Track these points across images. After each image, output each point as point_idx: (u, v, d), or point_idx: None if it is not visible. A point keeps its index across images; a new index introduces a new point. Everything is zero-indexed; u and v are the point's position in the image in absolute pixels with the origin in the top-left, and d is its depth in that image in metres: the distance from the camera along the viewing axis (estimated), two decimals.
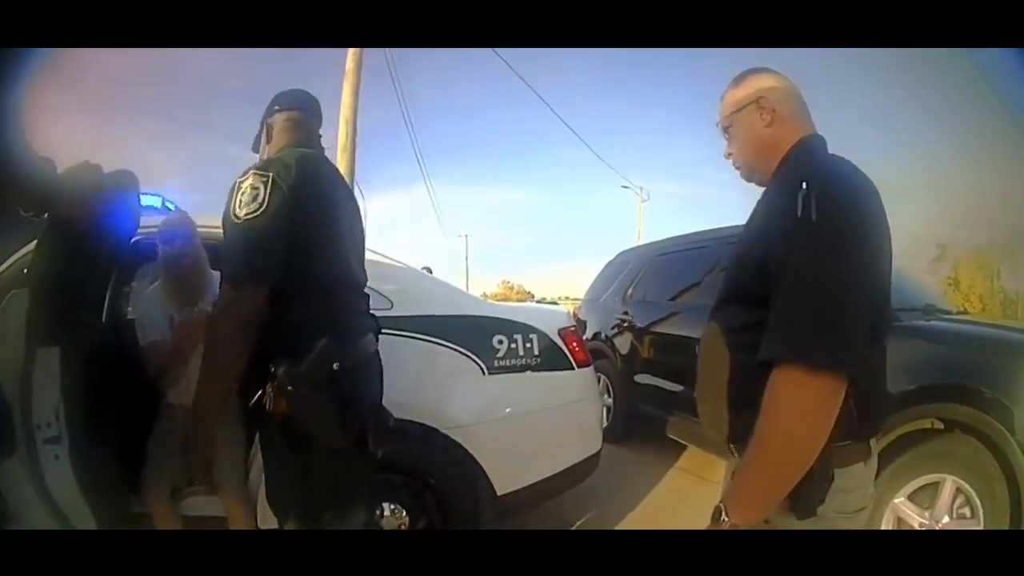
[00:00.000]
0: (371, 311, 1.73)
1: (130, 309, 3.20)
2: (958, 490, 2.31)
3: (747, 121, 1.15)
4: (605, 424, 3.93)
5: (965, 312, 4.63)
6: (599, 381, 4.66)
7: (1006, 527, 2.14)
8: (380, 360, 1.69)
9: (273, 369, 1.37)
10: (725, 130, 1.20)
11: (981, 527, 2.21)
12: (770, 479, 0.95)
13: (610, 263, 5.83)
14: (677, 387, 3.99)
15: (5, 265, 2.15)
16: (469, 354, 2.40)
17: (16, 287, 1.98)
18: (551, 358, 2.54)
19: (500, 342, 2.44)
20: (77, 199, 1.69)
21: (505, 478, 2.39)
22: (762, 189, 1.16)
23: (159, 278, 2.38)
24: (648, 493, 3.64)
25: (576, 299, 9.86)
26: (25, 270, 2.00)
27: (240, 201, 1.41)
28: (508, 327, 2.49)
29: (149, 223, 2.40)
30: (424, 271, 3.05)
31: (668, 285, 4.67)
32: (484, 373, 2.40)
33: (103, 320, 2.61)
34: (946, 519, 2.32)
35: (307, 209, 1.45)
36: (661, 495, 3.67)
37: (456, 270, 36.14)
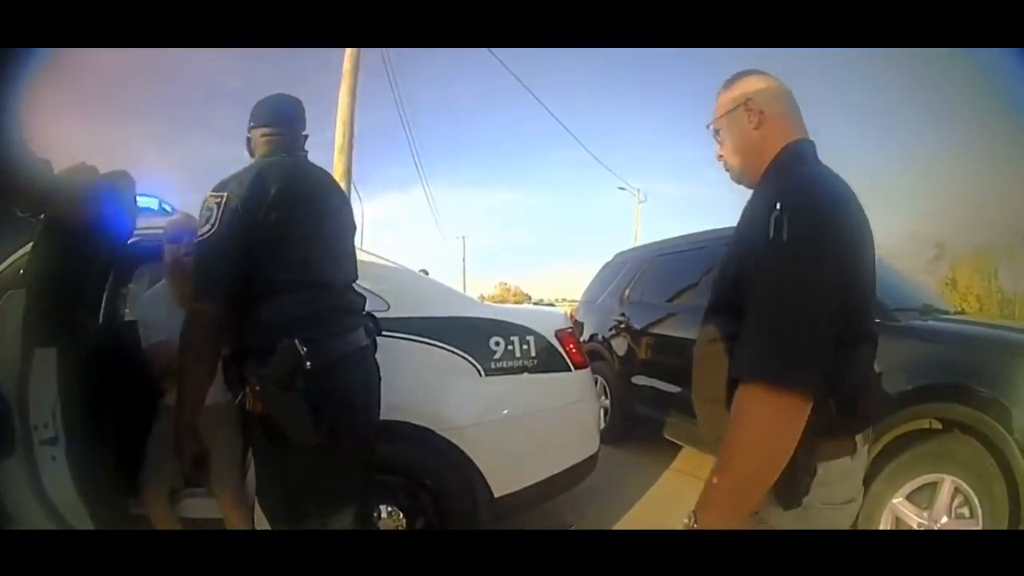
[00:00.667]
0: (364, 309, 1.74)
1: (128, 311, 3.19)
2: (956, 490, 2.31)
3: (736, 123, 1.16)
4: (602, 425, 3.93)
5: (963, 312, 4.65)
6: (596, 383, 4.66)
7: (1005, 527, 2.14)
8: (370, 357, 1.69)
9: (246, 370, 1.47)
10: (716, 132, 1.21)
11: (980, 527, 2.21)
12: (736, 489, 0.98)
13: (607, 264, 5.82)
14: (674, 388, 3.99)
15: (2, 266, 2.15)
16: (466, 356, 2.39)
17: (13, 288, 1.97)
18: (548, 360, 2.53)
19: (497, 344, 2.44)
20: (74, 200, 1.69)
21: (502, 480, 2.39)
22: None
23: (164, 277, 2.38)
24: (645, 494, 3.65)
25: (573, 300, 9.89)
26: (22, 271, 1.99)
27: (199, 222, 1.50)
28: (505, 329, 2.48)
29: (146, 224, 2.40)
30: (421, 273, 3.05)
31: (665, 286, 4.67)
32: (481, 375, 2.39)
33: (100, 321, 2.60)
34: (945, 519, 2.32)
35: (268, 217, 1.49)
36: (658, 496, 3.67)
37: (454, 272, 36.18)
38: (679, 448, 4.24)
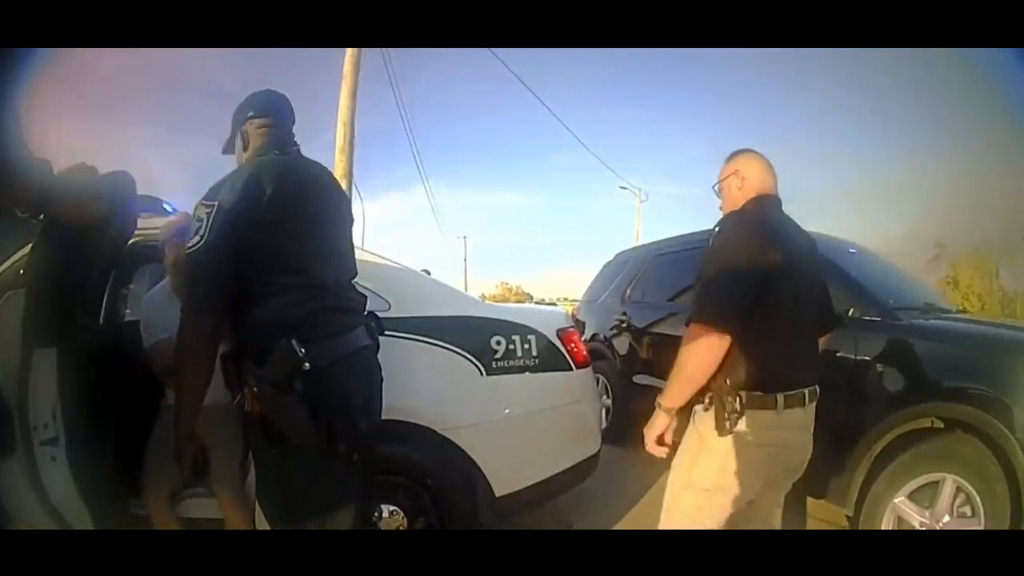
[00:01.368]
0: (364, 308, 1.73)
1: (128, 311, 3.19)
2: (958, 489, 2.30)
3: (729, 185, 1.75)
4: (604, 425, 3.93)
5: (964, 311, 4.62)
6: (598, 382, 4.65)
7: (1007, 526, 2.13)
8: (371, 356, 1.68)
9: (244, 371, 1.46)
10: (719, 191, 1.79)
11: (982, 526, 2.20)
12: (679, 386, 1.57)
13: (608, 264, 5.82)
14: None
15: (3, 267, 2.15)
16: (467, 355, 2.39)
17: (13, 288, 1.97)
18: (549, 359, 2.53)
19: (498, 343, 2.44)
20: (74, 201, 1.69)
21: (504, 479, 2.39)
22: None
23: (168, 274, 2.37)
24: (646, 493, 3.63)
25: (574, 300, 9.87)
26: (22, 271, 1.99)
27: (189, 232, 1.49)
28: (506, 328, 2.48)
29: (147, 225, 2.40)
30: (423, 273, 3.05)
31: (666, 286, 4.66)
32: (482, 374, 2.39)
33: (100, 321, 2.60)
34: (947, 518, 2.31)
35: (264, 218, 1.47)
36: (659, 496, 3.62)
37: (455, 272, 36.11)
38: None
